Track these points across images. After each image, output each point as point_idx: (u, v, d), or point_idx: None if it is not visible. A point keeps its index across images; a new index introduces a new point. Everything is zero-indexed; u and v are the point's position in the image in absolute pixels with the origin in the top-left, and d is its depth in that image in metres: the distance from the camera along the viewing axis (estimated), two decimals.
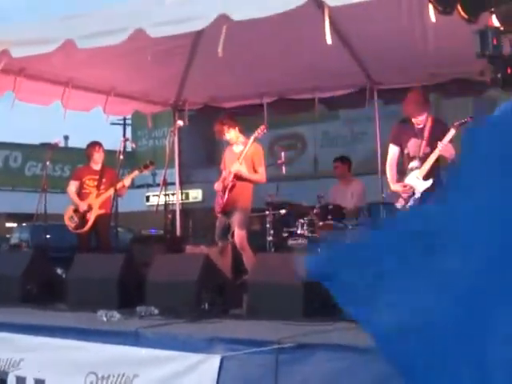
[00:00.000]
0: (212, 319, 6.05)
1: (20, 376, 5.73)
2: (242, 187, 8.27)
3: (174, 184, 24.18)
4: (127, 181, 9.45)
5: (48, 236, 21.15)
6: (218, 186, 8.47)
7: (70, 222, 9.57)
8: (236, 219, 8.13)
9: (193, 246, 10.00)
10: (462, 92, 10.46)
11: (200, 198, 26.90)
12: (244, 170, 8.26)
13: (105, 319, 6.11)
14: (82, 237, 9.53)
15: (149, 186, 29.13)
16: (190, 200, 26.27)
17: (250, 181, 8.35)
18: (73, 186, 9.69)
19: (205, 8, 6.65)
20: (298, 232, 9.17)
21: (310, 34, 9.25)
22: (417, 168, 7.58)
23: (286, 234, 9.29)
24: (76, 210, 9.55)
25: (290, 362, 4.73)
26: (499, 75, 5.44)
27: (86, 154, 9.83)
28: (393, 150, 7.96)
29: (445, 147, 7.31)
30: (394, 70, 10.03)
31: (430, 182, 7.46)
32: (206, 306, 6.35)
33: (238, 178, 8.26)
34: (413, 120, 7.74)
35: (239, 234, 8.09)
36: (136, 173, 9.76)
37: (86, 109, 10.68)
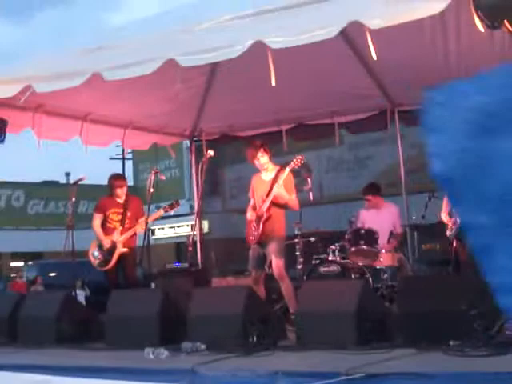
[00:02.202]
0: (263, 352, 5.87)
1: None
2: (276, 216, 8.09)
3: (177, 216, 23.88)
4: (150, 219, 9.26)
5: (54, 274, 20.93)
6: (251, 215, 8.25)
7: (94, 259, 9.38)
8: (273, 248, 7.94)
9: (219, 279, 9.81)
10: None
11: (207, 229, 26.73)
12: (284, 193, 8.09)
13: (152, 357, 5.92)
14: (108, 273, 9.34)
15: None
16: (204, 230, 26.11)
17: (286, 205, 8.16)
18: (97, 220, 9.48)
19: (237, 35, 6.51)
20: (330, 258, 8.99)
21: (327, 59, 9.21)
22: None
23: (317, 261, 9.10)
24: (100, 246, 9.36)
25: None
26: None
27: (108, 185, 9.63)
28: None
29: None
30: (414, 90, 9.88)
31: None
32: (254, 338, 6.17)
33: (274, 204, 8.07)
34: None
35: (278, 263, 7.90)
36: (161, 212, 9.53)
37: (105, 144, 10.54)
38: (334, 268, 8.93)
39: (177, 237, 27.68)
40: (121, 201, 9.47)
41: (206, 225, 26.84)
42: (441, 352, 5.23)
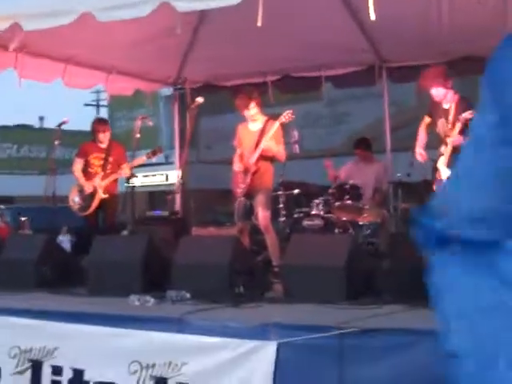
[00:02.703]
0: (250, 303, 5.81)
1: (56, 365, 5.42)
2: (264, 168, 8.03)
3: (151, 165, 23.62)
4: (133, 164, 9.13)
5: (25, 218, 20.67)
6: (238, 166, 8.17)
7: (74, 204, 9.25)
8: (260, 200, 7.89)
9: (199, 228, 9.72)
10: (474, 70, 10.28)
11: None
12: (273, 145, 8.02)
13: (138, 304, 5.84)
14: (88, 219, 9.22)
15: None
16: (170, 181, 25.91)
17: (273, 157, 8.09)
18: (79, 165, 9.32)
19: None
20: (313, 212, 8.94)
21: (316, 9, 9.06)
22: (442, 155, 7.48)
23: (301, 215, 9.05)
24: (81, 191, 9.22)
25: (356, 348, 4.51)
26: None
27: (91, 129, 9.48)
28: (426, 120, 8.06)
29: (456, 140, 7.22)
30: (404, 47, 9.82)
31: (448, 172, 7.36)
32: (241, 289, 6.11)
33: (262, 156, 7.99)
34: (437, 98, 7.59)
35: (264, 215, 7.85)
36: (144, 158, 9.38)
37: (88, 86, 10.39)
38: (317, 222, 8.89)
39: (151, 186, 27.46)
40: (103, 146, 9.32)
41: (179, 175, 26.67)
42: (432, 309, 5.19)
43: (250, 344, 4.71)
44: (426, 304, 5.20)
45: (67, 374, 5.38)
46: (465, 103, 7.58)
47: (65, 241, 8.69)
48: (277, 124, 8.06)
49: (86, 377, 5.30)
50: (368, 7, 9.30)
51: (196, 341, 4.93)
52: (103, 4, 6.84)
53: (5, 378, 5.62)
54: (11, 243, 7.81)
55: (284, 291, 6.09)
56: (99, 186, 9.13)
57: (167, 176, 25.56)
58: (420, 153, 7.92)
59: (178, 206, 11.12)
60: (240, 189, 8.02)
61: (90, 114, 32.42)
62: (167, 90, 18.53)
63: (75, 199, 9.23)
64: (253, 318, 5.17)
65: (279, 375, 4.60)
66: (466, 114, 7.13)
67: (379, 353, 4.46)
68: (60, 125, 9.46)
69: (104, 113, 33.91)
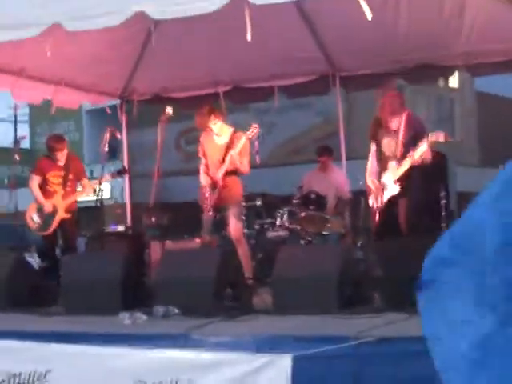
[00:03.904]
0: (243, 316, 5.71)
1: None
2: (232, 181, 7.95)
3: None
4: (99, 183, 8.85)
5: None
6: (205, 180, 8.04)
7: (32, 223, 8.94)
8: (233, 212, 7.80)
9: (158, 242, 9.53)
10: (427, 77, 10.44)
11: (109, 194, 26.15)
12: (237, 160, 7.92)
13: (129, 322, 5.66)
14: (47, 238, 8.94)
15: None
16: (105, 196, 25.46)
17: (238, 171, 8.00)
18: (36, 181, 8.98)
19: None
20: (278, 223, 8.88)
21: (269, 18, 9.02)
22: (393, 169, 7.44)
23: (263, 226, 8.98)
24: (40, 210, 8.92)
25: (373, 357, 4.45)
26: None
27: (47, 146, 9.17)
28: (372, 147, 7.80)
29: (417, 158, 7.23)
30: (358, 56, 9.87)
31: (396, 189, 7.37)
32: (231, 302, 6.00)
33: (228, 171, 7.90)
34: (393, 127, 7.52)
35: (237, 226, 7.76)
36: (107, 177, 9.15)
37: (36, 100, 10.11)
38: (281, 233, 8.84)
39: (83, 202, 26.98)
40: (61, 163, 9.03)
41: (108, 189, 26.28)
42: None
43: (264, 358, 4.59)
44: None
45: None
46: (414, 121, 7.58)
47: (32, 260, 8.38)
48: (243, 139, 7.94)
49: None
50: (319, 16, 9.49)
51: (205, 357, 4.79)
52: (73, 14, 6.65)
53: None
54: None
55: (275, 303, 5.98)
56: (60, 205, 8.86)
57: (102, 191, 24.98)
58: (372, 181, 7.75)
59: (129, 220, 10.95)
60: (207, 204, 7.91)
61: (5, 130, 31.61)
62: (89, 105, 18.28)
63: (34, 218, 8.91)
64: (259, 331, 5.08)
65: None
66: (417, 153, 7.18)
67: (397, 361, 4.41)
68: (18, 141, 9.17)
69: (23, 128, 33.04)
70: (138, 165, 26.86)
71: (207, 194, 7.91)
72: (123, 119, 11.46)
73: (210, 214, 7.89)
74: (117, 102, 11.38)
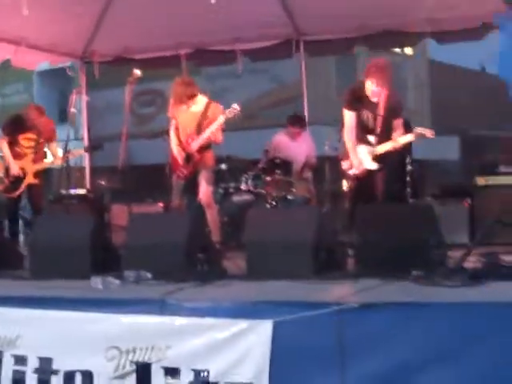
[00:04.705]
0: (217, 281, 5.63)
1: (19, 355, 5.05)
2: (205, 151, 7.81)
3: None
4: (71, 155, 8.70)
5: None
6: (178, 151, 7.85)
7: None
8: (204, 176, 7.67)
9: (121, 205, 9.37)
10: (392, 44, 10.41)
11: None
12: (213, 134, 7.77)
13: (101, 286, 5.54)
14: (11, 201, 8.73)
15: None
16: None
17: (214, 143, 7.88)
18: (5, 142, 8.76)
19: None
20: (243, 187, 8.80)
21: None
22: (371, 145, 7.37)
23: (227, 190, 8.89)
24: (6, 170, 8.70)
25: (355, 323, 4.41)
26: None
27: (25, 115, 8.89)
28: (349, 116, 7.49)
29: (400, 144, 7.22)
30: (322, 20, 9.78)
31: (374, 166, 7.35)
32: (204, 267, 5.92)
33: (204, 144, 7.76)
34: (367, 91, 7.32)
35: (207, 190, 7.64)
36: (82, 151, 8.96)
37: None
38: (246, 197, 8.77)
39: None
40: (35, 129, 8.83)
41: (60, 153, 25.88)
42: (407, 282, 5.17)
43: (243, 323, 4.52)
44: (398, 277, 5.21)
45: (33, 364, 5.04)
46: (394, 97, 7.47)
47: None
48: (222, 119, 7.70)
49: (55, 366, 4.97)
50: None
51: (182, 323, 4.70)
52: None
53: None
54: None
55: (248, 268, 5.90)
56: (29, 169, 8.68)
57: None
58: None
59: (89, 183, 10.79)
60: (181, 173, 7.77)
61: None
62: (40, 67, 17.89)
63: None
64: (236, 296, 5.00)
65: (275, 355, 4.45)
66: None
67: (381, 328, 4.38)
68: None
69: None
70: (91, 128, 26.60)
71: (181, 162, 7.77)
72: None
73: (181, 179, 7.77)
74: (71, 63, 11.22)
